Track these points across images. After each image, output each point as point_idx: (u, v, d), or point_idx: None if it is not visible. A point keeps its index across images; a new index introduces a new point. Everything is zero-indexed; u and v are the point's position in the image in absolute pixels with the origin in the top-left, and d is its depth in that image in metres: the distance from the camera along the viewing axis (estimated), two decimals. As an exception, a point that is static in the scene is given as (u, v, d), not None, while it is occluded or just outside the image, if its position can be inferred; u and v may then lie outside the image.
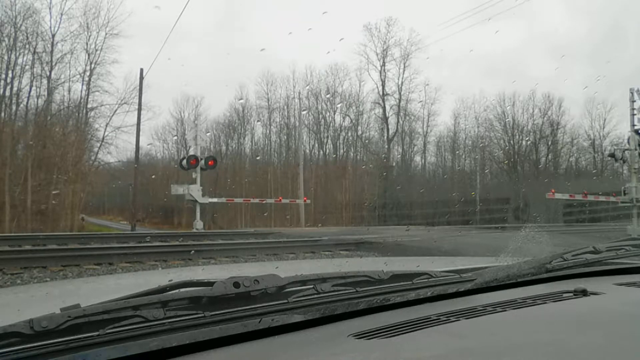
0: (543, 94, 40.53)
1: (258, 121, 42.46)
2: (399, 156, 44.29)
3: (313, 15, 57.37)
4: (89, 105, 32.96)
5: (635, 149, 17.48)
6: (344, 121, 43.59)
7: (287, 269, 2.20)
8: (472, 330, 0.99)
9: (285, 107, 42.84)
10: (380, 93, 42.45)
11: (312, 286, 1.12)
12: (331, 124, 43.64)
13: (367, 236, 13.17)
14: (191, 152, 19.32)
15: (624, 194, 17.57)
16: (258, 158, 41.21)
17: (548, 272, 1.45)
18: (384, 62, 42.15)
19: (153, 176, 38.33)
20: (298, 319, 0.99)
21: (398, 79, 42.32)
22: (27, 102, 30.36)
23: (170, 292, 0.99)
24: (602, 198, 21.20)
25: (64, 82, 31.65)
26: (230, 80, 54.76)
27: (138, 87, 26.42)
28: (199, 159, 17.96)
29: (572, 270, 1.53)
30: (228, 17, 63.12)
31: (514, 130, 41.65)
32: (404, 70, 42.21)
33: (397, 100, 42.69)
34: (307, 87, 42.09)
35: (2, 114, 28.17)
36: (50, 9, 30.79)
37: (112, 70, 33.60)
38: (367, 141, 43.83)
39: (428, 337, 0.94)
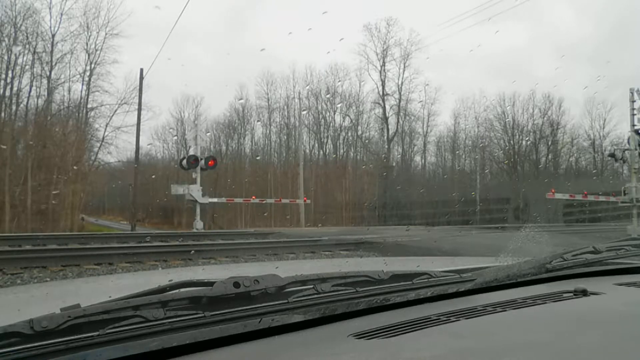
0: (543, 94, 40.61)
1: (258, 121, 42.49)
2: (399, 156, 44.35)
3: (313, 15, 57.46)
4: (89, 105, 33.03)
5: (635, 149, 17.48)
6: (344, 121, 43.65)
7: (287, 269, 2.20)
8: (472, 330, 0.99)
9: (285, 107, 42.88)
10: (380, 93, 42.49)
11: (312, 286, 1.12)
12: (331, 124, 43.69)
13: (367, 236, 13.15)
14: (191, 152, 19.35)
15: (624, 194, 17.56)
16: (258, 158, 41.19)
17: (548, 272, 1.45)
18: (384, 62, 42.19)
19: (153, 176, 38.29)
20: (298, 319, 0.99)
21: (398, 79, 42.37)
22: (27, 102, 30.43)
23: (170, 292, 0.99)
24: (602, 198, 21.20)
25: (64, 82, 31.73)
26: (230, 80, 54.83)
27: (138, 87, 26.45)
28: (199, 159, 17.96)
29: (572, 270, 1.53)
30: (228, 17, 63.16)
31: (514, 130, 41.71)
32: (404, 70, 42.25)
33: (397, 100, 42.73)
34: (307, 87, 42.12)
35: (2, 114, 28.21)
36: (50, 9, 30.86)
37: (112, 70, 33.81)
38: (367, 141, 43.88)
39: (428, 337, 0.93)
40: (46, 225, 22.85)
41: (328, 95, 42.38)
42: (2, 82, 28.90)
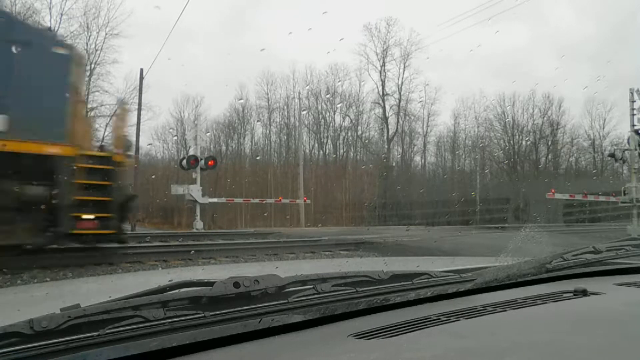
0: (543, 94, 40.53)
1: (258, 121, 42.48)
2: (399, 156, 44.30)
3: (313, 15, 57.31)
4: (89, 105, 33.03)
5: (635, 149, 17.46)
6: (344, 121, 43.64)
7: (287, 269, 2.20)
8: (472, 330, 0.99)
9: (285, 107, 42.86)
10: (380, 93, 42.46)
11: (312, 286, 1.12)
12: (331, 124, 43.67)
13: (367, 236, 13.16)
14: (191, 152, 19.33)
15: (624, 194, 17.55)
16: (258, 158, 41.17)
17: (548, 272, 1.45)
18: (384, 62, 42.17)
19: (153, 176, 38.26)
20: (298, 319, 0.99)
21: (398, 79, 42.33)
22: (27, 102, 30.36)
23: (170, 292, 0.99)
24: (602, 198, 21.19)
25: (64, 82, 31.65)
26: (230, 80, 54.64)
27: (138, 87, 26.47)
28: (199, 159, 17.95)
29: (572, 270, 1.53)
30: (228, 17, 63.06)
31: (514, 130, 41.69)
32: (404, 70, 42.22)
33: (397, 100, 42.72)
34: (307, 87, 42.09)
35: (2, 114, 28.16)
36: (50, 9, 30.92)
37: (112, 70, 33.84)
38: (367, 141, 43.87)
39: (428, 337, 0.93)
40: (46, 225, 22.78)
41: (328, 95, 42.42)
42: (2, 82, 28.90)
